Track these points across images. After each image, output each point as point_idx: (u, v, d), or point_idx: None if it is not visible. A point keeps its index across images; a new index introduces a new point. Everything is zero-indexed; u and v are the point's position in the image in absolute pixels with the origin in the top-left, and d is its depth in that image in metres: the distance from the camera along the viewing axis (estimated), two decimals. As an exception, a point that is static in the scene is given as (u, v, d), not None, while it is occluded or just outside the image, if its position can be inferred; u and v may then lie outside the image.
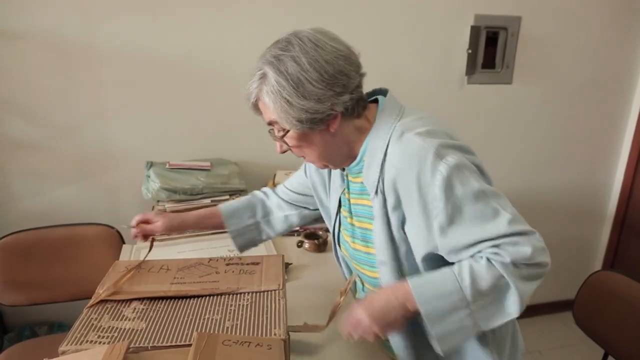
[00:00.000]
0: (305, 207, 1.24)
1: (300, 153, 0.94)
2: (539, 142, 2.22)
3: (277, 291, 1.01)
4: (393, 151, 0.86)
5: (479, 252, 0.81)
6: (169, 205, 1.61)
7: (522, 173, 2.25)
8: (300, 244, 1.57)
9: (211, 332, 0.88)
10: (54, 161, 1.75)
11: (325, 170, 1.10)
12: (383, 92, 0.97)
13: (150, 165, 1.72)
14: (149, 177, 1.64)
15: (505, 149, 2.17)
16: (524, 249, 0.81)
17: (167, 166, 1.71)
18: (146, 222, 1.16)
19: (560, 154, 2.27)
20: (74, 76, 1.67)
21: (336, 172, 1.06)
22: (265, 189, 1.29)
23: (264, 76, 0.84)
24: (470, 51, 1.92)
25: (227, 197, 1.67)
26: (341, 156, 0.94)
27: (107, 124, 1.75)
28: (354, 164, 0.95)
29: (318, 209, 1.19)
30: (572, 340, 2.35)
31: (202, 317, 0.93)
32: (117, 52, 1.68)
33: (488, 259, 0.81)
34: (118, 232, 1.67)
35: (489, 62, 1.99)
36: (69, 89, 1.68)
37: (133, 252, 1.50)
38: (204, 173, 1.69)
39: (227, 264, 1.13)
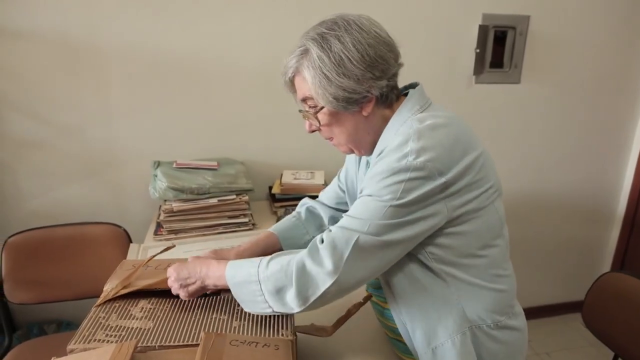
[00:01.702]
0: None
1: (329, 133, 0.95)
2: (548, 142, 2.21)
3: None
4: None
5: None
6: (175, 205, 1.61)
7: (530, 173, 2.23)
8: (306, 244, 1.56)
9: (218, 332, 0.88)
10: (61, 160, 1.75)
11: (355, 175, 1.10)
12: (415, 86, 0.98)
13: (158, 164, 1.72)
14: (156, 176, 1.64)
15: (514, 148, 2.16)
16: (322, 273, 0.80)
17: (174, 165, 1.71)
18: None
19: (569, 154, 2.26)
20: (80, 75, 1.68)
21: (362, 173, 1.06)
22: (308, 200, 1.26)
23: (305, 52, 0.86)
24: (478, 50, 1.90)
25: (234, 196, 1.67)
26: (367, 143, 0.95)
27: (114, 123, 1.75)
28: (373, 154, 0.94)
29: None
30: (581, 343, 2.33)
31: (209, 317, 0.93)
32: (123, 51, 1.68)
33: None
34: (125, 231, 1.67)
35: (497, 62, 1.98)
36: (76, 88, 1.69)
37: (140, 251, 1.50)
38: (211, 172, 1.69)
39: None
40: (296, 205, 1.82)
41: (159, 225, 1.62)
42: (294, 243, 1.16)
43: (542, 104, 2.12)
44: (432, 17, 1.87)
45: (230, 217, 1.66)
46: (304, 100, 0.92)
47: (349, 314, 0.99)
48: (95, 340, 0.85)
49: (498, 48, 1.95)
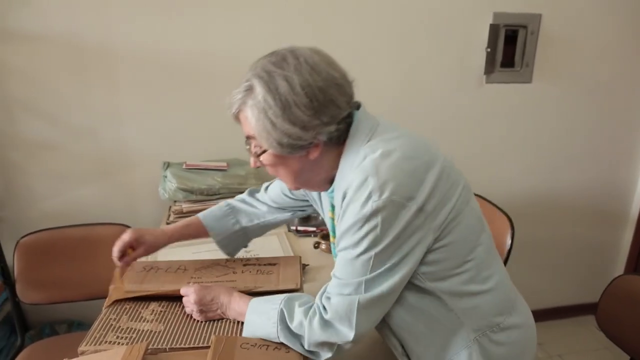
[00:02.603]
0: (299, 210, 1.20)
1: (274, 173, 0.91)
2: (559, 142, 2.18)
3: (294, 291, 1.01)
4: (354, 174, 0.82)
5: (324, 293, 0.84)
6: (185, 206, 1.61)
7: (541, 173, 2.21)
8: (317, 245, 1.56)
9: (228, 333, 0.88)
10: (72, 162, 1.76)
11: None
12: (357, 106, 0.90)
13: (167, 165, 1.72)
14: (166, 177, 1.65)
15: (525, 148, 2.13)
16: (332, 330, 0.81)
17: (183, 167, 1.71)
18: (130, 247, 1.09)
19: (581, 154, 2.22)
20: (91, 78, 1.69)
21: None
22: (244, 196, 1.24)
23: (250, 89, 0.80)
24: (489, 50, 1.88)
25: (244, 197, 1.67)
26: (317, 182, 0.92)
27: (124, 124, 1.76)
28: (330, 189, 0.91)
29: (312, 208, 1.17)
30: (595, 345, 2.30)
31: (218, 320, 0.93)
32: (133, 53, 1.69)
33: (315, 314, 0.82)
34: (135, 232, 1.68)
35: (508, 61, 1.95)
36: (87, 90, 1.70)
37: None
38: (221, 173, 1.70)
39: (244, 265, 1.14)
40: (306, 206, 1.82)
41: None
42: (223, 232, 1.16)
43: (554, 103, 2.09)
44: (442, 17, 1.85)
45: (239, 218, 1.66)
46: (248, 137, 0.86)
47: None
48: (106, 342, 0.85)
49: (509, 47, 1.93)
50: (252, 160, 0.91)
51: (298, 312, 0.83)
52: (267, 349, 0.81)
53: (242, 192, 1.67)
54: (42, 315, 1.92)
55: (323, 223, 1.66)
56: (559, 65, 2.03)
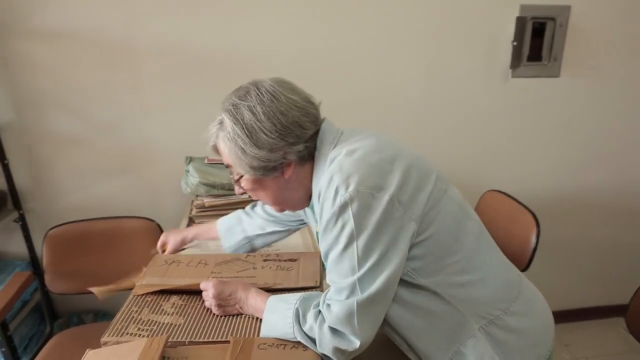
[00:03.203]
0: (294, 225, 1.25)
1: (256, 196, 0.97)
2: (588, 138, 2.11)
3: (314, 289, 1.01)
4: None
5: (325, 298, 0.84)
6: (207, 200, 1.63)
7: (570, 171, 2.14)
8: (336, 241, 1.55)
9: (247, 329, 0.88)
10: (98, 156, 1.80)
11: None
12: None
13: (190, 160, 1.75)
14: (188, 172, 1.67)
15: (552, 145, 2.07)
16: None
17: (205, 161, 1.73)
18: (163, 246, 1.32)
19: (611, 151, 2.15)
20: (116, 74, 1.72)
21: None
22: (249, 207, 1.31)
23: (221, 123, 0.88)
24: (515, 43, 1.83)
25: (264, 192, 1.68)
26: (297, 200, 0.96)
27: (148, 119, 1.79)
28: (310, 204, 0.96)
29: (304, 224, 1.23)
30: (624, 348, 2.23)
31: (237, 316, 0.93)
32: (157, 49, 1.71)
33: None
34: (158, 225, 1.71)
35: (536, 55, 1.90)
36: (113, 86, 1.73)
37: (173, 245, 1.53)
38: (242, 168, 1.70)
39: (265, 260, 1.14)
40: (301, 224, 1.81)
41: (191, 220, 1.65)
42: (231, 241, 1.26)
43: (583, 98, 2.02)
44: (467, 9, 1.81)
45: (260, 213, 1.67)
46: (228, 166, 0.94)
47: None
48: (127, 333, 0.87)
49: (536, 40, 1.87)
50: (235, 188, 0.97)
51: (310, 315, 0.84)
52: (284, 348, 0.82)
53: (262, 188, 1.70)
54: (70, 305, 1.98)
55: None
56: (588, 59, 1.96)
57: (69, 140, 1.77)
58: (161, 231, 1.71)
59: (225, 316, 0.93)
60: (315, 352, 0.82)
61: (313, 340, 0.83)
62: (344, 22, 1.78)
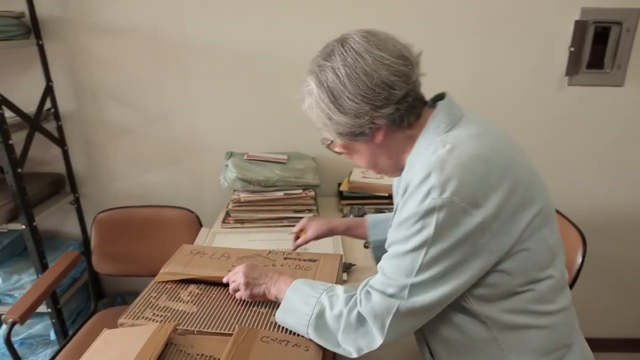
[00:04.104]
0: None
1: (351, 160, 0.94)
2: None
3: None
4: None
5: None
6: (243, 195, 1.67)
7: (631, 188, 1.97)
8: (367, 245, 1.53)
9: (255, 324, 0.89)
10: (147, 146, 1.91)
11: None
12: (444, 96, 0.88)
13: (230, 155, 1.80)
14: (227, 166, 1.72)
15: (612, 159, 1.91)
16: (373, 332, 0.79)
17: (245, 157, 1.77)
18: (302, 230, 1.24)
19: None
20: (168, 69, 1.80)
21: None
22: None
23: (308, 86, 0.84)
24: (572, 49, 1.72)
25: (300, 191, 1.69)
26: (390, 166, 0.90)
27: (195, 114, 1.86)
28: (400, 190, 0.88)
29: None
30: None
31: (250, 309, 0.95)
32: (205, 47, 1.78)
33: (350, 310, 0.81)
34: (197, 216, 1.77)
35: (597, 61, 1.76)
36: (164, 81, 1.82)
37: (208, 236, 1.58)
38: (280, 166, 1.73)
39: (285, 258, 1.15)
40: (362, 204, 1.79)
41: (227, 214, 1.70)
42: (378, 237, 1.16)
43: (651, 109, 1.86)
44: (519, 12, 1.71)
45: (295, 211, 1.68)
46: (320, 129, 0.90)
47: None
48: (143, 317, 0.91)
49: (598, 46, 1.74)
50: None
51: (341, 299, 0.82)
52: (286, 344, 0.82)
53: (299, 186, 1.71)
54: (116, 285, 2.11)
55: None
56: (659, 68, 1.80)
57: (122, 130, 1.88)
58: (200, 223, 1.78)
59: (237, 310, 0.95)
60: (318, 353, 0.82)
61: (330, 331, 0.81)
62: (386, 24, 1.74)
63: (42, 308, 1.76)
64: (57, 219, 2.00)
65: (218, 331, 0.87)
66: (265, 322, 0.91)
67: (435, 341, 0.87)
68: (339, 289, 0.86)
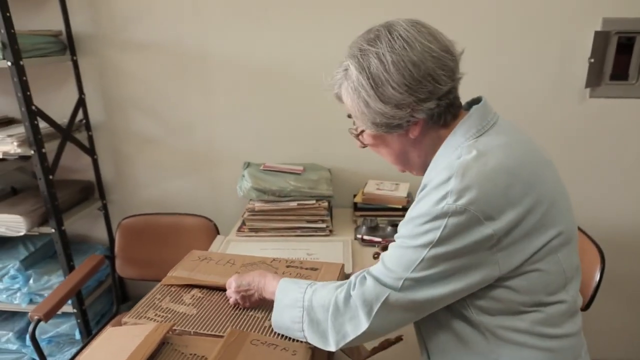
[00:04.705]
0: None
1: (377, 152, 0.90)
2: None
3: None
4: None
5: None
6: (258, 204, 1.71)
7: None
8: (376, 256, 1.54)
9: (249, 328, 0.92)
10: (170, 156, 1.99)
11: None
12: (479, 101, 0.86)
13: (247, 165, 1.85)
14: (244, 176, 1.77)
15: (635, 174, 1.84)
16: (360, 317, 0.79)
17: (261, 167, 1.82)
18: None
19: None
20: (190, 81, 1.88)
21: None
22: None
23: (346, 69, 0.81)
24: (592, 60, 1.68)
25: (314, 201, 1.72)
26: (419, 164, 0.87)
27: (215, 125, 1.93)
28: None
29: None
30: None
31: (246, 313, 0.98)
32: (225, 62, 1.85)
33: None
34: (215, 224, 1.83)
35: (621, 73, 1.72)
36: (186, 92, 1.90)
37: (223, 243, 1.64)
38: (294, 177, 1.77)
39: (287, 266, 1.18)
40: (376, 215, 1.80)
41: (243, 223, 1.74)
42: None
43: (681, 123, 1.78)
44: (538, 21, 1.68)
45: (308, 222, 1.71)
46: (349, 117, 0.87)
47: (382, 347, 0.98)
48: (145, 317, 0.96)
49: (622, 57, 1.70)
50: (357, 143, 0.90)
51: (328, 288, 0.83)
52: (274, 348, 0.84)
53: (312, 197, 1.74)
54: (140, 290, 2.19)
55: (389, 234, 1.64)
56: (689, 79, 1.73)
57: (147, 140, 1.98)
58: (217, 231, 1.83)
59: (234, 314, 0.98)
60: (305, 357, 0.84)
61: (320, 323, 0.81)
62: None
63: (69, 308, 1.85)
64: (87, 224, 2.11)
65: (212, 333, 0.90)
66: (259, 326, 0.93)
67: (433, 345, 0.87)
68: (320, 282, 0.87)
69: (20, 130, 1.70)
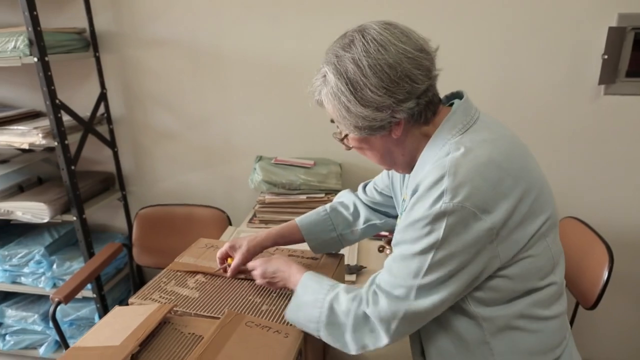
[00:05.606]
0: (388, 213, 1.17)
1: (362, 154, 0.91)
2: None
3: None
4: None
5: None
6: (268, 197, 1.76)
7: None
8: (381, 249, 1.56)
9: (245, 312, 0.96)
10: (186, 149, 2.06)
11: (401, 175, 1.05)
12: (461, 95, 0.88)
13: (259, 159, 1.90)
14: (255, 169, 1.82)
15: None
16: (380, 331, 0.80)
17: (272, 161, 1.86)
18: (228, 256, 1.14)
19: None
20: (205, 77, 1.94)
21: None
22: (344, 198, 1.21)
23: (324, 76, 0.82)
24: (606, 57, 1.65)
25: (322, 195, 1.76)
26: (404, 162, 0.89)
27: (229, 119, 1.99)
28: (410, 188, 0.85)
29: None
30: None
31: (245, 298, 1.02)
32: (240, 59, 1.90)
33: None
34: (227, 216, 1.89)
35: (637, 69, 1.68)
36: (202, 88, 1.96)
37: (233, 234, 1.69)
38: (304, 170, 1.80)
39: (289, 255, 1.21)
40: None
41: (254, 215, 1.79)
42: (318, 237, 1.14)
43: (702, 121, 1.74)
44: (550, 17, 1.67)
45: (317, 214, 1.75)
46: (332, 121, 0.88)
47: None
48: (150, 298, 1.01)
49: (638, 53, 1.66)
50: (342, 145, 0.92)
51: (349, 296, 0.82)
52: (268, 330, 0.88)
53: (322, 190, 1.78)
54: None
55: (395, 227, 1.66)
56: None
57: (165, 134, 2.05)
58: (229, 222, 1.89)
59: (235, 298, 1.02)
60: (296, 340, 0.87)
61: (341, 328, 0.82)
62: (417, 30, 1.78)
63: (89, 293, 1.94)
64: (107, 213, 2.20)
65: (211, 315, 0.95)
66: (257, 310, 0.97)
67: (428, 341, 0.88)
68: (342, 286, 0.87)
69: (45, 123, 1.79)
